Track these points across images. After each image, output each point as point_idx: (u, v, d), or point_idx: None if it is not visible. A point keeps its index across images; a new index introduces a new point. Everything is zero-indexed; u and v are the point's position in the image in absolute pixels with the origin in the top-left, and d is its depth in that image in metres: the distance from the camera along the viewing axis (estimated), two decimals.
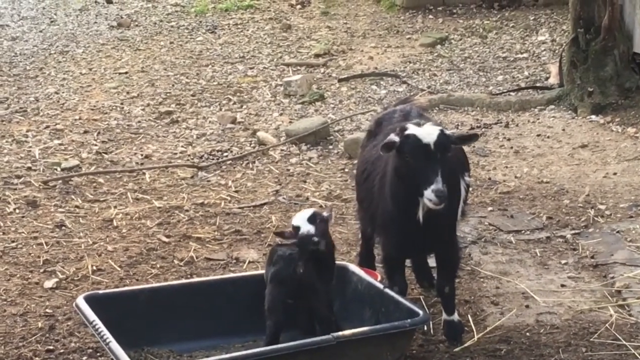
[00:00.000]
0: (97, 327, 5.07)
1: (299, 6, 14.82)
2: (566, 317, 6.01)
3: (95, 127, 9.95)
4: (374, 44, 12.80)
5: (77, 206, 7.93)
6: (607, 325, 5.86)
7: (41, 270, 6.79)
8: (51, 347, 5.76)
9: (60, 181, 8.42)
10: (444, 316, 5.79)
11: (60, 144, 9.41)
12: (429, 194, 5.13)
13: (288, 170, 8.75)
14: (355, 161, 7.23)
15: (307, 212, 5.43)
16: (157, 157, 9.12)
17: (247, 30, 13.76)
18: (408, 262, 6.21)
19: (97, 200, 8.07)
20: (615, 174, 8.39)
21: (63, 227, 7.50)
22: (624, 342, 5.65)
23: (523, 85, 11.03)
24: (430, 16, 13.80)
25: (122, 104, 10.73)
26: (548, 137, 9.45)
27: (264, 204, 7.95)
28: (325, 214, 5.48)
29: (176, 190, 8.28)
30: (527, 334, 5.81)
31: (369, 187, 5.80)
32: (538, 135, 9.49)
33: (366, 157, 5.99)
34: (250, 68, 12.01)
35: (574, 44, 10.32)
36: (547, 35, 12.64)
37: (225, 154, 9.17)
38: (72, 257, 6.99)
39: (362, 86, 11.21)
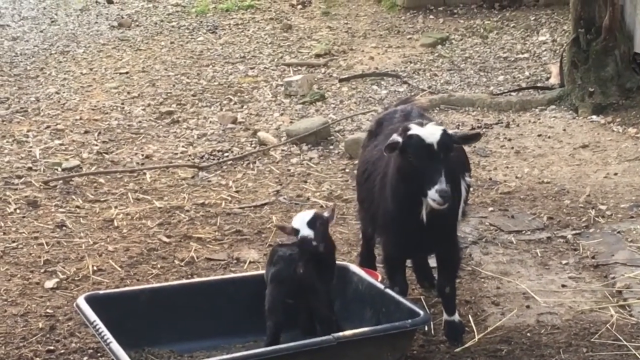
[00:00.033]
0: (97, 327, 5.07)
1: (299, 6, 14.82)
2: (567, 317, 6.01)
3: (96, 127, 9.95)
4: (374, 44, 12.80)
5: (77, 206, 7.93)
6: (607, 325, 5.86)
7: (42, 271, 6.79)
8: (52, 348, 5.76)
9: (60, 181, 8.42)
10: (445, 316, 5.79)
11: (60, 144, 9.41)
12: (432, 194, 5.13)
13: (289, 170, 8.75)
14: (356, 161, 7.23)
15: (308, 214, 5.41)
16: (158, 157, 9.12)
17: (248, 30, 13.76)
18: (409, 263, 6.20)
19: (97, 200, 8.07)
20: (616, 174, 8.39)
21: (64, 227, 7.50)
22: (625, 343, 5.65)
23: (524, 85, 11.03)
24: (431, 16, 13.80)
25: (122, 104, 10.73)
26: (549, 137, 9.45)
27: (265, 204, 7.94)
28: (326, 214, 5.47)
29: (177, 190, 8.28)
30: (528, 334, 5.81)
31: (370, 188, 5.80)
32: (539, 136, 9.49)
33: (367, 157, 5.99)
34: (251, 68, 12.01)
35: (574, 44, 10.32)
36: (547, 35, 12.63)
37: (226, 154, 9.17)
38: (73, 257, 6.99)
39: (363, 86, 11.21)
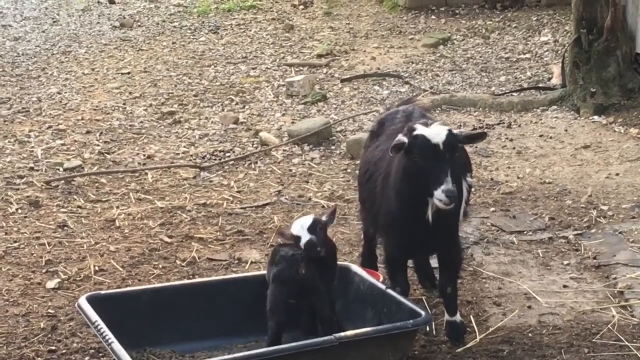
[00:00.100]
0: (99, 327, 5.07)
1: (301, 6, 14.82)
2: (568, 317, 6.01)
3: (97, 127, 9.95)
4: (376, 44, 12.80)
5: (79, 206, 7.93)
6: (609, 326, 5.86)
7: (43, 271, 6.79)
8: (53, 348, 5.77)
9: (62, 181, 8.42)
10: (446, 317, 5.79)
11: (62, 144, 9.42)
12: (439, 194, 5.13)
13: (290, 170, 8.75)
14: (358, 162, 7.23)
15: (307, 220, 5.40)
16: (160, 158, 9.13)
17: (250, 30, 13.76)
18: (410, 263, 6.20)
19: (99, 200, 8.07)
20: (617, 174, 8.38)
21: (65, 228, 7.50)
22: (626, 343, 5.65)
23: (525, 85, 11.03)
24: (433, 17, 13.79)
25: (124, 104, 10.73)
26: (550, 137, 9.45)
27: (266, 204, 7.95)
28: (324, 218, 5.47)
29: (178, 190, 8.28)
30: (530, 334, 5.81)
31: (372, 188, 5.80)
32: (540, 136, 9.49)
33: (369, 157, 6.00)
34: (253, 68, 12.02)
35: (576, 44, 10.32)
36: (549, 35, 12.63)
37: (228, 154, 9.17)
38: (75, 258, 6.99)
39: (365, 86, 11.21)
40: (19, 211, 7.82)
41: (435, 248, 5.78)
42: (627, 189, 8.04)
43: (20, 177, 8.53)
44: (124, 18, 14.64)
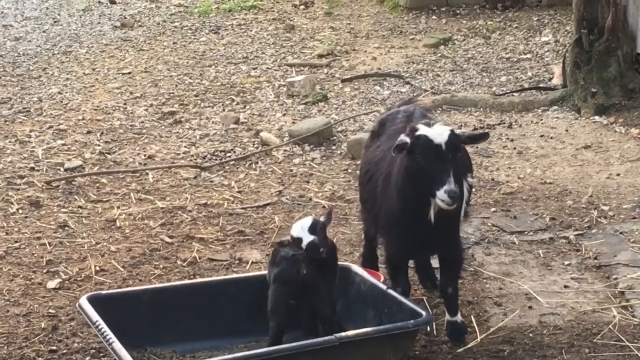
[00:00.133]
0: (100, 327, 5.07)
1: (302, 7, 14.82)
2: (569, 318, 6.01)
3: (98, 127, 9.95)
4: (377, 44, 12.80)
5: (80, 206, 7.93)
6: (610, 326, 5.86)
7: (44, 271, 6.79)
8: (54, 348, 5.77)
9: (63, 181, 8.42)
10: (447, 317, 5.79)
11: (63, 144, 9.42)
12: (441, 194, 5.13)
13: (291, 170, 8.76)
14: (359, 162, 7.23)
15: (306, 221, 5.39)
16: (160, 158, 9.13)
17: (251, 30, 13.76)
18: (411, 263, 6.20)
19: (100, 200, 8.07)
20: (618, 174, 8.38)
21: (66, 228, 7.50)
22: (627, 343, 5.65)
23: (526, 85, 11.03)
24: (434, 17, 13.79)
25: (125, 104, 10.74)
26: (551, 137, 9.44)
27: (267, 204, 7.95)
28: (322, 219, 5.47)
29: (179, 190, 8.28)
30: (530, 334, 5.81)
31: (373, 188, 5.80)
32: (541, 136, 9.49)
33: (369, 157, 5.99)
34: (254, 68, 12.02)
35: (577, 44, 10.32)
36: (550, 36, 12.63)
37: (229, 154, 9.17)
38: (75, 258, 7.00)
39: (366, 87, 11.21)
40: (20, 211, 7.82)
41: (437, 248, 5.77)
42: (628, 189, 8.04)
43: (21, 177, 8.53)
44: (125, 18, 14.65)
